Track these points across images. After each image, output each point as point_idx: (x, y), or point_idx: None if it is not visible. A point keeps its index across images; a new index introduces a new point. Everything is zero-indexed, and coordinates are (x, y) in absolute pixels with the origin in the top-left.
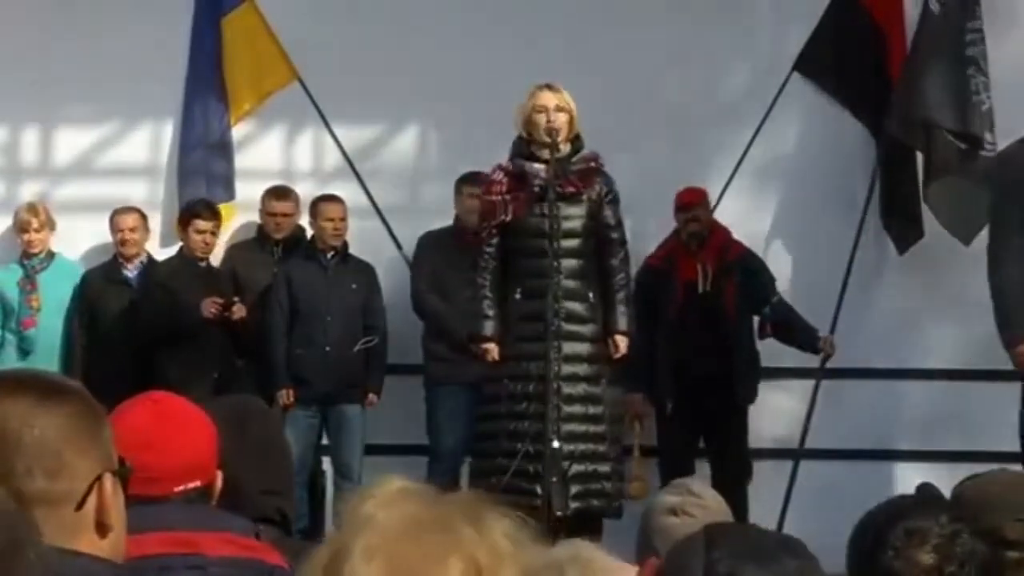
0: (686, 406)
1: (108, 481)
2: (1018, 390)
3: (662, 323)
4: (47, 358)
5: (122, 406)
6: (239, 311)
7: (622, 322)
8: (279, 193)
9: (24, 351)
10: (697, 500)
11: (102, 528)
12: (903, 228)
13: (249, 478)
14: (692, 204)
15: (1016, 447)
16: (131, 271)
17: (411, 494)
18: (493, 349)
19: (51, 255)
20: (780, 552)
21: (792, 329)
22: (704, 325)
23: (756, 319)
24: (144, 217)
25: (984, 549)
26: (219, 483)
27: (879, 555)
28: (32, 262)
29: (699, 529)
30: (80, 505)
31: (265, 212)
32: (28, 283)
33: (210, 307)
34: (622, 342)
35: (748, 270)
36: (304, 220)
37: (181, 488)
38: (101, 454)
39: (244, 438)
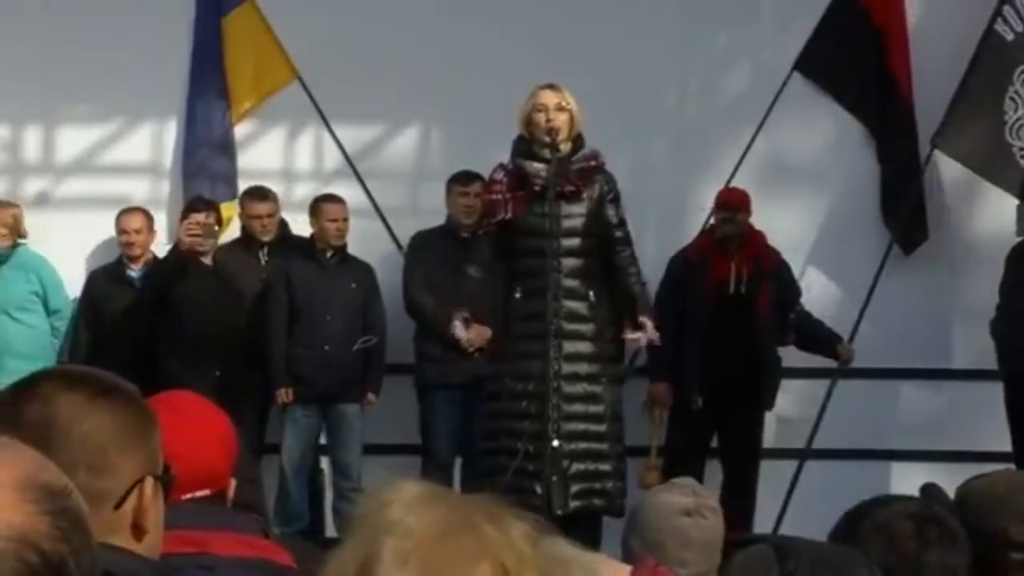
0: (707, 406)
1: (149, 484)
2: None
3: (691, 319)
4: (13, 358)
5: None
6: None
7: (643, 303)
8: (259, 194)
9: None
10: (708, 503)
11: (138, 530)
12: (909, 229)
13: None
14: (732, 205)
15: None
16: (136, 272)
17: (434, 497)
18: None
19: (14, 247)
20: (852, 562)
21: (814, 336)
22: (735, 328)
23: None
24: (150, 217)
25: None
26: (231, 491)
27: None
28: None
29: (763, 545)
30: (119, 505)
31: (247, 215)
32: None
33: (187, 232)
34: (649, 324)
35: (780, 279)
36: (297, 219)
37: (188, 496)
38: (146, 457)
39: None
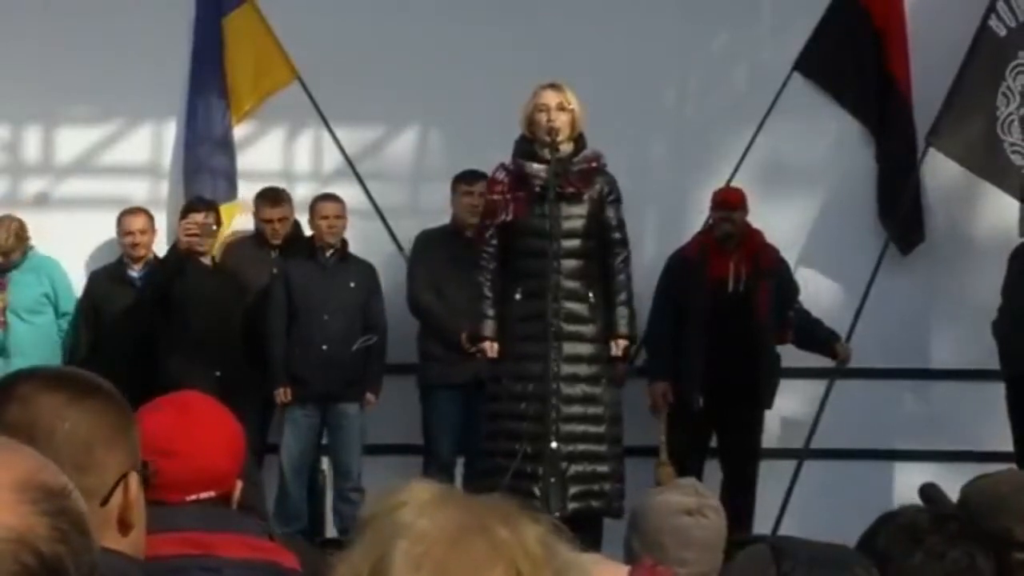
0: (706, 405)
1: (134, 480)
2: None
3: (690, 318)
4: (20, 358)
5: (149, 405)
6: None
7: (622, 324)
8: (272, 199)
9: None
10: (710, 503)
11: (124, 526)
12: (905, 230)
13: None
14: (728, 205)
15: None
16: (136, 272)
17: (448, 500)
18: (491, 347)
19: (25, 252)
20: (849, 561)
21: (813, 335)
22: (734, 327)
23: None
24: (151, 217)
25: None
26: (237, 493)
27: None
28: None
29: (761, 545)
30: (105, 501)
31: (260, 218)
32: None
33: (185, 232)
34: (622, 345)
35: (779, 277)
36: (302, 219)
37: (193, 498)
38: (128, 453)
39: None
